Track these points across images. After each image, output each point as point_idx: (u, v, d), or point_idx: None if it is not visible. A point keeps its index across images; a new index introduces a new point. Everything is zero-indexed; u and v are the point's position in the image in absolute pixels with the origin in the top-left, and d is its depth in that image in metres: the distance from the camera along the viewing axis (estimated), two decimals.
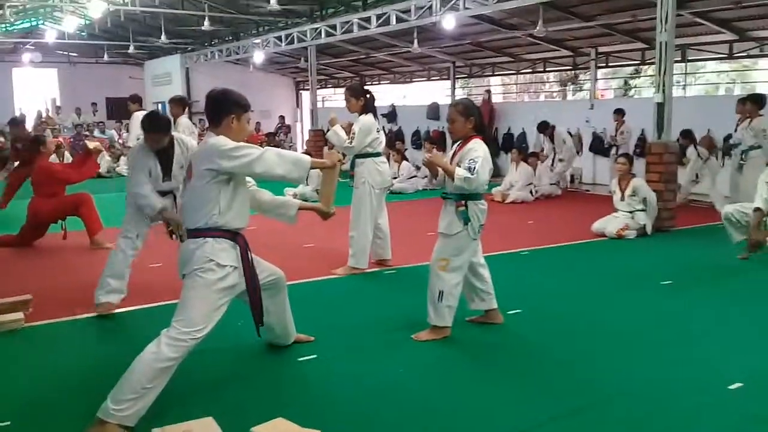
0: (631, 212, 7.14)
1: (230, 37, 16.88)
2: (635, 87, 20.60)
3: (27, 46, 18.93)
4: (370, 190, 5.50)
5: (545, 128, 11.28)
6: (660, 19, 7.23)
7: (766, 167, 6.20)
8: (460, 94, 16.76)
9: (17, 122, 9.89)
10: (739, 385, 3.25)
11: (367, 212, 5.50)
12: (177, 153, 4.41)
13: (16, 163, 8.22)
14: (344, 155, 4.80)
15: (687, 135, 8.98)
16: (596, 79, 13.42)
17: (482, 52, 14.02)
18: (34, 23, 19.17)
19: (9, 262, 6.24)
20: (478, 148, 3.82)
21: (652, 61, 8.59)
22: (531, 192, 10.01)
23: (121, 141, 16.02)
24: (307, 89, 16.13)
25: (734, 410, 3.02)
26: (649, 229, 7.11)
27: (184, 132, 7.59)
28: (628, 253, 6.45)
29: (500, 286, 4.23)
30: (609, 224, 7.11)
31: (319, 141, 14.01)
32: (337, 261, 5.73)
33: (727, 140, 9.27)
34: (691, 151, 8.87)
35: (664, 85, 7.28)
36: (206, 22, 13.41)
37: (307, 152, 10.88)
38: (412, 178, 11.41)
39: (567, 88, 21.07)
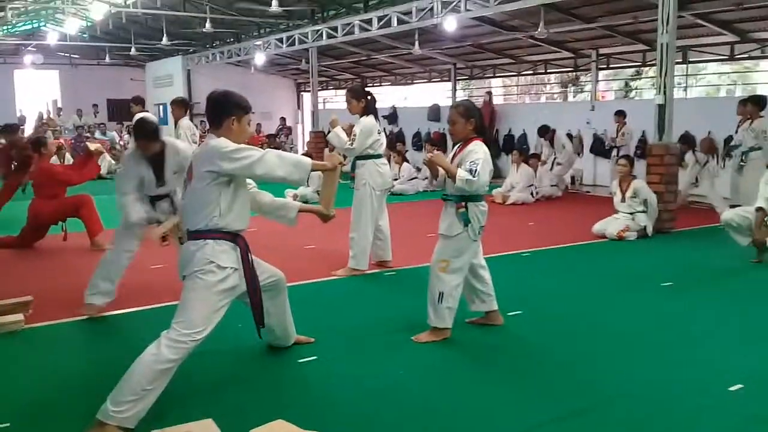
0: (631, 214, 7.14)
1: (231, 39, 16.88)
2: (636, 88, 20.62)
3: (29, 48, 18.94)
4: (371, 191, 5.50)
5: (545, 132, 11.29)
6: (661, 20, 7.22)
7: (767, 169, 6.20)
8: (461, 95, 16.77)
9: (13, 129, 9.69)
10: (740, 386, 3.25)
11: (367, 214, 5.50)
12: (169, 158, 4.30)
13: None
14: (345, 157, 4.79)
15: (686, 140, 8.98)
16: (597, 81, 13.41)
17: (483, 53, 14.03)
18: (35, 25, 19.22)
19: (9, 263, 6.24)
20: (478, 150, 3.82)
21: (653, 62, 8.59)
22: (532, 193, 10.01)
23: (122, 143, 16.05)
24: (308, 91, 16.15)
25: (735, 411, 3.02)
26: (649, 231, 7.10)
27: (186, 133, 7.62)
28: (628, 254, 6.45)
29: (501, 287, 4.23)
30: (609, 226, 7.11)
31: (320, 143, 14.04)
32: (337, 262, 5.73)
33: (728, 142, 9.27)
34: (689, 156, 8.86)
35: (665, 87, 7.28)
36: (208, 24, 13.42)
37: (307, 154, 10.87)
38: (412, 179, 11.40)
39: (568, 89, 21.06)
